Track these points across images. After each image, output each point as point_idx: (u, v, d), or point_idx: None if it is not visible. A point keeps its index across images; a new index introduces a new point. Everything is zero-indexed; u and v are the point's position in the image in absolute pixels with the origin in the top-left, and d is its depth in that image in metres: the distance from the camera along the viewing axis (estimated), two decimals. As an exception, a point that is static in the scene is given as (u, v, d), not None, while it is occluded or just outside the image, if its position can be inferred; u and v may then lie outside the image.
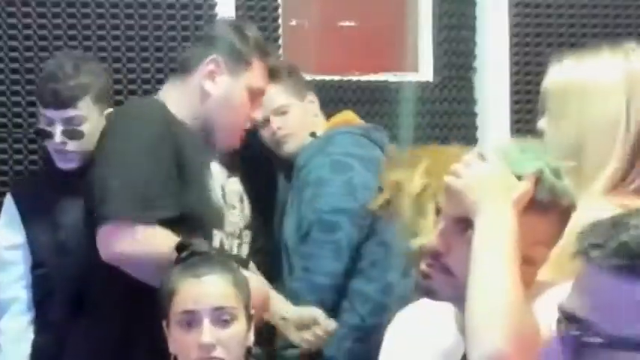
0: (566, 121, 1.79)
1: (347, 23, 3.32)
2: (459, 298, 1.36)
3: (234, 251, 2.24)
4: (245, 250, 2.31)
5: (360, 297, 2.60)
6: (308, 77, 3.13)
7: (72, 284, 2.30)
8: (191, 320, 1.89)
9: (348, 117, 2.91)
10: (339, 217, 2.61)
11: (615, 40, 3.35)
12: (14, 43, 2.77)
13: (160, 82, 2.89)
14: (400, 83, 3.25)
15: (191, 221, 2.13)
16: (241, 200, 2.32)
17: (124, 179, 2.08)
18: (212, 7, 2.97)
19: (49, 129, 2.39)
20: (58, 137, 2.38)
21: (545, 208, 1.40)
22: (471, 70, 3.32)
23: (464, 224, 1.39)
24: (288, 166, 2.85)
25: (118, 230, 2.07)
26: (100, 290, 2.22)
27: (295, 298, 2.60)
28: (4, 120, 2.76)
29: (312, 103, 2.84)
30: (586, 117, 1.77)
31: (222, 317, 1.90)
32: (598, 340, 1.04)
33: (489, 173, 1.39)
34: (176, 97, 2.27)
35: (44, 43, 2.80)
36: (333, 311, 2.62)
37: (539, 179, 1.39)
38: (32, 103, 2.76)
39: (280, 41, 3.12)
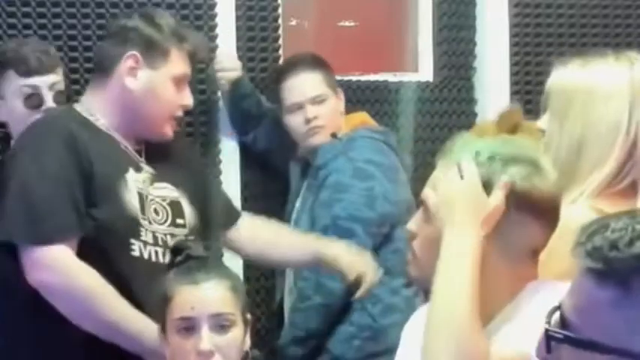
0: (568, 122, 1.84)
1: (347, 23, 3.32)
2: (424, 281, 1.47)
3: (160, 259, 2.17)
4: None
5: (370, 298, 2.60)
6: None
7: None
8: (189, 327, 1.88)
9: (364, 118, 2.93)
10: (354, 224, 2.64)
11: (615, 40, 3.38)
12: (14, 43, 2.77)
13: (160, 82, 2.90)
14: (400, 83, 3.25)
15: (104, 234, 2.11)
16: (172, 205, 2.25)
17: (19, 200, 2.09)
18: (212, 7, 2.97)
19: (37, 96, 2.41)
20: (50, 102, 2.42)
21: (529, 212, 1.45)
22: (471, 70, 3.32)
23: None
24: (304, 162, 2.85)
25: (23, 254, 2.07)
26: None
27: (301, 297, 2.61)
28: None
29: (340, 100, 2.86)
30: (589, 118, 1.82)
31: (220, 323, 1.89)
32: (571, 338, 1.06)
33: (462, 193, 1.45)
34: (99, 99, 2.24)
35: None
36: (339, 315, 2.64)
37: (510, 191, 1.43)
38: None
39: (280, 41, 3.12)
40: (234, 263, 2.99)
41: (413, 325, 1.63)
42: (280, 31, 3.12)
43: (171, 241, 2.18)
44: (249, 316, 2.00)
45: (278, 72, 2.91)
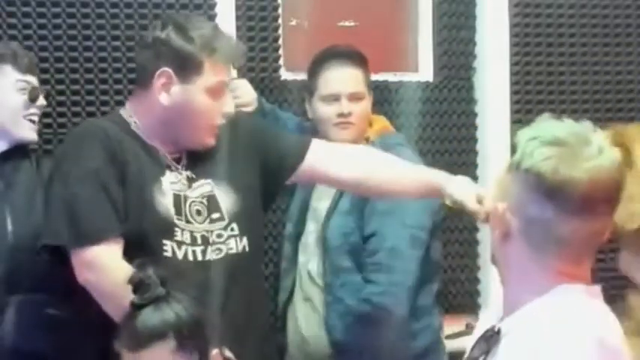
0: None
1: (347, 23, 3.32)
2: None
3: (198, 257, 2.20)
4: (224, 250, 2.25)
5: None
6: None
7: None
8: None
9: (386, 122, 2.95)
10: (423, 233, 2.68)
11: (615, 40, 3.38)
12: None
13: (160, 82, 2.90)
14: (400, 83, 3.25)
15: (135, 235, 2.14)
16: (208, 201, 2.27)
17: (62, 204, 2.15)
18: (212, 7, 2.97)
19: (35, 90, 2.48)
20: (43, 100, 2.51)
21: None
22: (470, 70, 3.32)
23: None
24: None
25: (72, 257, 2.14)
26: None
27: (385, 310, 2.63)
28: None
29: (370, 103, 2.86)
30: None
31: None
32: None
33: None
34: (139, 108, 2.27)
35: (44, 43, 2.80)
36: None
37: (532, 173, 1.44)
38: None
39: (280, 41, 3.12)
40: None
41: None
42: (280, 31, 3.12)
43: (210, 238, 2.23)
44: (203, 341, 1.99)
45: (319, 58, 2.84)
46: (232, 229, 2.27)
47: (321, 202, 2.80)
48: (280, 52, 3.12)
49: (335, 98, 2.76)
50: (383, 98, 3.20)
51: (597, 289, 1.51)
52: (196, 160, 2.29)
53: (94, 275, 2.11)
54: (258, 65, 3.09)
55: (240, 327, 2.23)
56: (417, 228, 2.67)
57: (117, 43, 2.88)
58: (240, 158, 2.34)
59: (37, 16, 2.80)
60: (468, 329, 3.11)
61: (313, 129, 2.86)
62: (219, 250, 2.24)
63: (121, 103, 2.82)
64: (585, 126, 1.48)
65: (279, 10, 3.12)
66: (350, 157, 2.45)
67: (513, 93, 3.29)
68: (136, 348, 1.89)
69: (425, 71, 3.33)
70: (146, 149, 2.24)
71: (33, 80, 2.50)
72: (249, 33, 3.07)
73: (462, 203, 2.29)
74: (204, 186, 2.28)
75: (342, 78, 2.78)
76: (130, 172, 2.18)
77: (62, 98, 2.84)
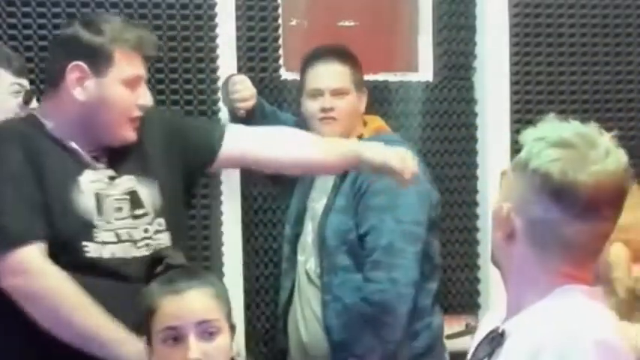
0: None
1: (347, 23, 3.32)
2: None
3: (126, 255, 2.16)
4: (153, 246, 2.22)
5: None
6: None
7: None
8: (176, 336, 1.87)
9: (381, 122, 2.96)
10: (419, 228, 2.69)
11: (615, 40, 3.38)
12: (14, 43, 2.77)
13: (160, 82, 2.90)
14: (400, 83, 3.25)
15: (55, 237, 2.11)
16: (130, 197, 2.22)
17: None
18: (212, 7, 2.97)
19: (29, 92, 2.46)
20: (37, 102, 2.47)
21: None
22: (471, 70, 3.32)
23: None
24: None
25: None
26: None
27: (385, 309, 2.63)
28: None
29: (362, 101, 2.88)
30: None
31: (206, 331, 1.87)
32: None
33: None
34: (54, 109, 2.22)
35: (44, 43, 2.80)
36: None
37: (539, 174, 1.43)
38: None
39: (280, 41, 3.12)
40: (233, 263, 3.00)
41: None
42: (280, 31, 3.12)
43: (135, 235, 2.19)
44: (234, 321, 2.00)
45: (307, 57, 2.90)
46: (159, 224, 2.24)
47: (318, 201, 2.80)
48: (280, 52, 3.12)
49: (319, 93, 2.81)
50: (383, 98, 3.20)
51: (599, 290, 1.51)
52: (116, 157, 2.24)
53: (22, 280, 2.06)
54: (258, 65, 3.09)
55: None
56: (411, 223, 2.67)
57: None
58: (160, 152, 2.30)
59: (37, 16, 2.80)
60: (468, 329, 3.12)
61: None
62: (148, 245, 2.21)
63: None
64: (591, 128, 1.48)
65: (279, 10, 3.11)
66: (275, 138, 2.45)
67: (513, 93, 3.29)
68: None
69: (425, 71, 3.32)
70: (63, 150, 2.19)
71: (25, 83, 2.49)
72: (249, 33, 3.07)
73: (384, 164, 2.32)
74: (127, 182, 2.23)
75: (325, 74, 2.83)
76: (48, 173, 2.13)
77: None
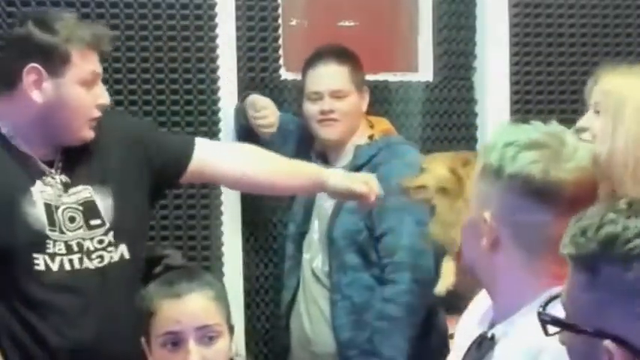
0: (623, 123, 1.88)
1: (347, 23, 3.31)
2: None
3: (75, 266, 2.12)
4: (106, 258, 2.16)
5: None
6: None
7: None
8: (175, 341, 1.87)
9: (388, 124, 2.98)
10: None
11: (615, 40, 3.37)
12: (14, 43, 2.77)
13: (160, 82, 2.90)
14: (400, 83, 3.25)
15: (4, 251, 2.07)
16: (85, 207, 2.17)
17: None
18: (212, 7, 2.97)
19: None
20: None
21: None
22: (471, 70, 3.32)
23: None
24: (323, 156, 2.87)
25: None
26: None
27: (413, 309, 2.66)
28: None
29: (364, 100, 2.88)
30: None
31: (207, 335, 1.87)
32: (554, 320, 1.13)
33: None
34: (7, 112, 2.17)
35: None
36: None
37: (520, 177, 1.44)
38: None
39: (280, 41, 3.12)
40: (233, 263, 3.00)
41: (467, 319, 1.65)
42: (280, 31, 3.12)
43: (88, 245, 2.14)
44: (234, 322, 2.00)
45: (308, 59, 2.90)
46: (114, 236, 2.18)
47: (327, 200, 2.81)
48: (280, 52, 3.12)
49: (318, 96, 2.81)
50: (383, 98, 3.20)
51: None
52: (72, 164, 2.19)
53: None
54: (258, 65, 3.08)
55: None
56: (425, 225, 2.68)
57: (117, 43, 2.87)
58: (121, 161, 2.24)
59: (37, 16, 2.79)
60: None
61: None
62: (101, 257, 2.15)
63: (120, 103, 2.83)
64: (554, 126, 1.50)
65: (279, 10, 3.11)
66: (236, 155, 2.43)
67: (513, 93, 3.28)
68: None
69: (425, 71, 3.32)
70: (15, 156, 2.14)
71: None
72: (249, 33, 3.07)
73: (349, 190, 2.37)
74: (82, 192, 2.18)
75: (324, 76, 2.83)
76: None
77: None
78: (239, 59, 3.02)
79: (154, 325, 1.90)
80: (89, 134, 2.18)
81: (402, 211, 2.64)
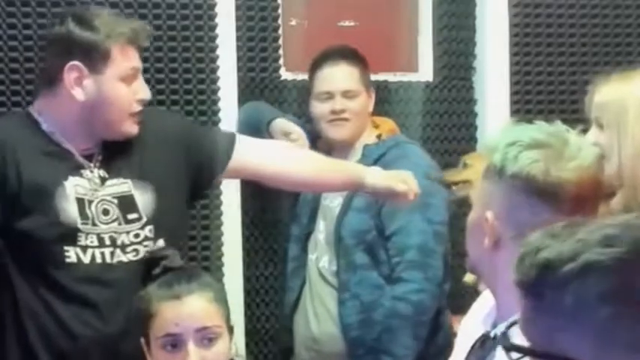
0: (626, 131, 1.92)
1: (347, 23, 3.31)
2: None
3: (107, 260, 2.15)
4: (141, 252, 2.19)
5: None
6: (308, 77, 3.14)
7: None
8: (175, 343, 1.87)
9: (393, 125, 2.99)
10: (445, 228, 2.74)
11: (615, 40, 3.37)
12: (14, 43, 2.77)
13: (160, 82, 2.90)
14: (400, 83, 3.25)
15: (33, 244, 2.10)
16: (123, 201, 2.19)
17: None
18: (212, 7, 2.97)
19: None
20: None
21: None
22: (471, 70, 3.32)
23: None
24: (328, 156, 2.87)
25: None
26: None
27: (424, 308, 2.68)
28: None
29: (371, 100, 2.90)
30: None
31: (206, 337, 1.88)
32: (507, 345, 1.14)
33: None
34: (50, 108, 2.21)
35: (44, 43, 2.79)
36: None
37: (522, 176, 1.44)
38: (32, 104, 2.76)
39: (280, 41, 3.12)
40: (233, 263, 3.00)
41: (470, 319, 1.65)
42: (280, 31, 3.12)
43: (123, 239, 2.16)
44: (234, 322, 2.00)
45: (316, 59, 2.90)
46: (151, 230, 2.21)
47: (333, 200, 2.81)
48: (280, 52, 3.12)
49: (329, 96, 2.81)
50: (383, 98, 3.20)
51: None
52: (112, 159, 2.22)
53: None
54: (258, 65, 3.09)
55: None
56: (440, 224, 2.71)
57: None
58: (162, 158, 2.27)
59: (37, 16, 2.79)
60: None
61: (313, 130, 2.87)
62: (136, 251, 2.18)
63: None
64: (558, 126, 1.49)
65: (279, 10, 3.11)
66: (277, 152, 2.45)
67: (513, 93, 3.29)
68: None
69: (425, 71, 3.32)
70: (54, 151, 2.18)
71: None
72: (249, 33, 3.07)
73: (389, 188, 2.37)
74: (120, 185, 2.21)
75: (335, 75, 2.83)
76: (24, 182, 2.11)
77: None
78: (239, 59, 3.02)
79: (154, 327, 1.90)
80: (133, 129, 2.22)
81: (413, 210, 2.65)
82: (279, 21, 3.11)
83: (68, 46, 2.15)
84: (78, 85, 2.15)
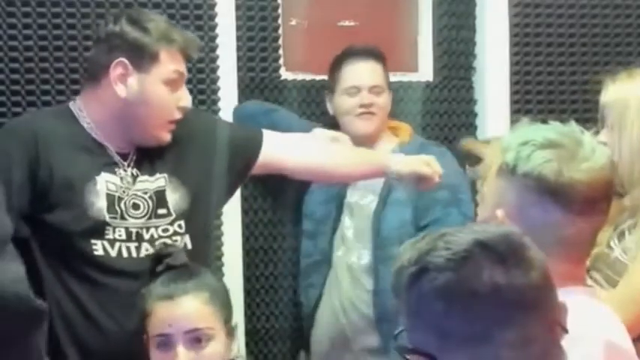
0: (626, 129, 1.95)
1: (347, 23, 3.31)
2: None
3: (133, 254, 2.17)
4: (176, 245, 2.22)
5: None
6: (308, 77, 3.14)
7: None
8: (166, 343, 1.89)
9: (409, 128, 3.02)
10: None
11: (615, 40, 3.38)
12: (14, 43, 2.77)
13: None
14: (400, 83, 3.25)
15: (62, 237, 2.12)
16: (154, 196, 2.22)
17: None
18: (212, 7, 2.97)
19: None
20: None
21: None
22: (471, 70, 3.32)
23: None
24: None
25: None
26: None
27: None
28: (3, 120, 2.76)
29: (390, 99, 2.97)
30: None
31: (197, 339, 1.89)
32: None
33: None
34: (92, 103, 2.23)
35: (44, 43, 2.80)
36: None
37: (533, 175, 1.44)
38: (32, 103, 2.76)
39: (280, 41, 3.12)
40: (233, 263, 3.00)
41: None
42: (280, 31, 3.12)
43: (154, 233, 2.19)
44: (233, 324, 2.00)
45: (340, 56, 2.94)
46: (180, 226, 2.24)
47: (363, 197, 2.84)
48: (280, 52, 3.12)
49: (357, 90, 2.87)
50: (383, 98, 3.20)
51: (594, 290, 1.51)
52: (146, 157, 2.25)
53: None
54: (258, 65, 3.08)
55: None
56: (471, 218, 2.75)
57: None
58: (194, 156, 2.31)
59: (37, 16, 2.79)
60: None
61: (309, 128, 2.87)
62: (165, 245, 2.21)
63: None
64: (572, 126, 1.49)
65: (279, 10, 3.11)
66: (303, 146, 2.49)
67: (513, 93, 3.29)
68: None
69: (425, 71, 3.32)
70: (90, 146, 2.20)
71: None
72: (249, 33, 3.07)
73: (413, 172, 2.42)
74: (153, 181, 2.23)
75: (363, 71, 2.90)
76: (55, 176, 2.13)
77: (63, 98, 2.84)
78: (239, 59, 3.02)
79: (150, 326, 1.92)
80: (166, 137, 2.24)
81: (449, 204, 2.72)
82: (279, 21, 3.11)
83: (118, 43, 2.18)
84: (122, 81, 2.17)
